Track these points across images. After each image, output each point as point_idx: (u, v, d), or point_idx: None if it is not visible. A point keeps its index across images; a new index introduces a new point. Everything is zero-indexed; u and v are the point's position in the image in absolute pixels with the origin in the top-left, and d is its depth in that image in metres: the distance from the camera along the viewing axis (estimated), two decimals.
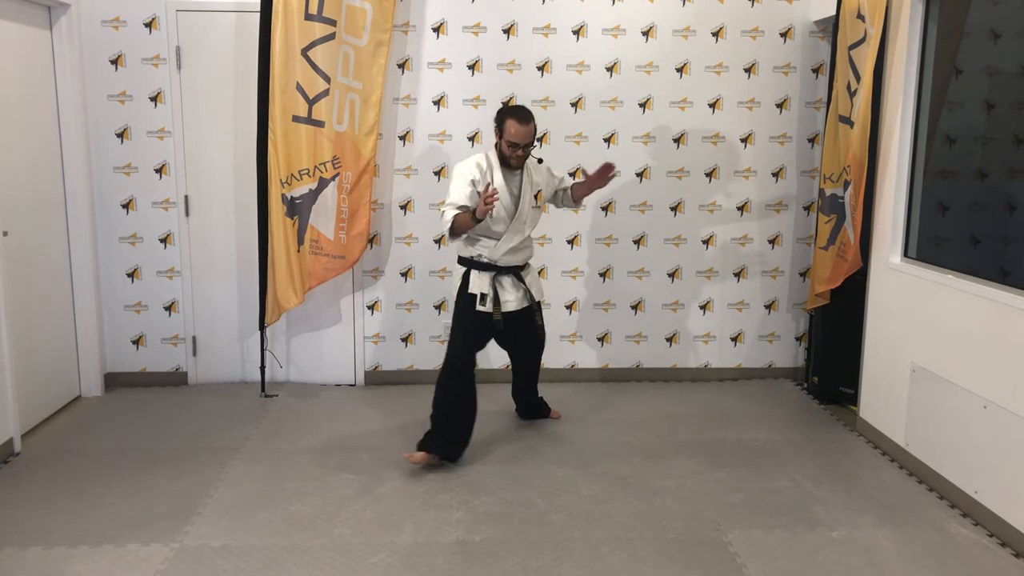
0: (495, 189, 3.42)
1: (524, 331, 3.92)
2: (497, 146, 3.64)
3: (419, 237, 4.79)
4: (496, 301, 3.70)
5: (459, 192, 3.57)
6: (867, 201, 4.03)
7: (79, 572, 2.87)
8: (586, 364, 4.99)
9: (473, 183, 3.57)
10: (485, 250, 3.68)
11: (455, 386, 3.69)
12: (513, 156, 3.59)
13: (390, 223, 4.77)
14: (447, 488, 3.53)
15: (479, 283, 3.69)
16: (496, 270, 3.71)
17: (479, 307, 3.67)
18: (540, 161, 3.82)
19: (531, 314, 3.86)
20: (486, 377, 4.90)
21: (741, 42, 4.73)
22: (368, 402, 4.58)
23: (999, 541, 3.12)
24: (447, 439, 3.70)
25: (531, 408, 4.32)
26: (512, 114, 3.55)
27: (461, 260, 3.78)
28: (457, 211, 3.55)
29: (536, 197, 3.75)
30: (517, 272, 3.78)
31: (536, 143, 3.67)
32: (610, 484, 3.59)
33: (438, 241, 4.78)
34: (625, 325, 4.97)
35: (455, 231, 3.57)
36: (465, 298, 3.71)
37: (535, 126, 3.60)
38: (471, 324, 3.71)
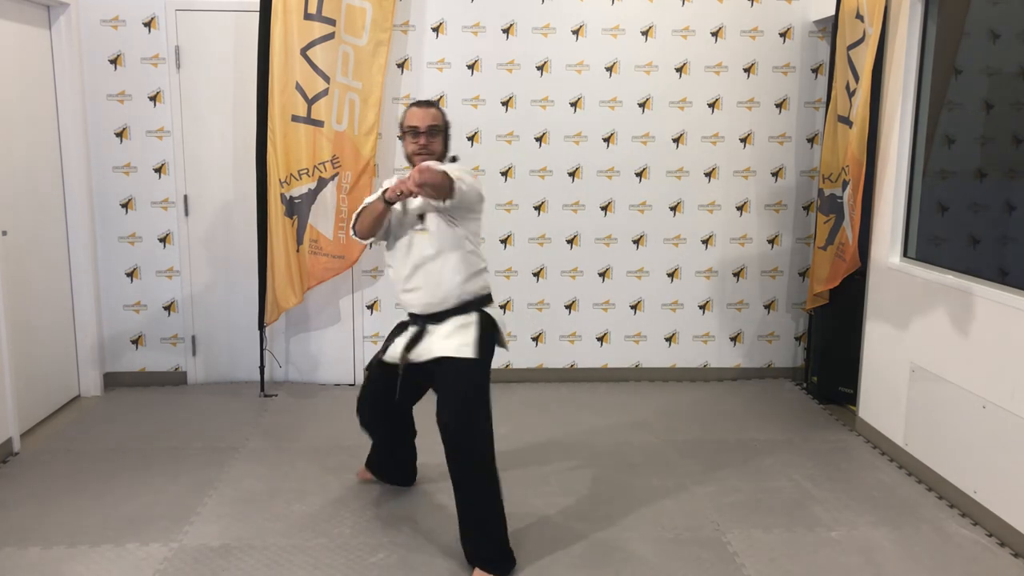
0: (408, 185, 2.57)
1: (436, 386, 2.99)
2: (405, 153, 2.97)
3: None
4: (404, 353, 2.95)
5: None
6: (866, 201, 4.03)
7: (78, 571, 2.87)
8: (585, 364, 4.99)
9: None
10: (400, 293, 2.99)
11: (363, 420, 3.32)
12: (415, 148, 2.85)
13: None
14: (446, 488, 3.51)
15: (394, 330, 3.09)
16: (415, 319, 2.96)
17: (385, 357, 3.06)
18: (455, 160, 3.02)
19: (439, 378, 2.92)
20: None
21: (740, 42, 4.73)
22: None
23: (998, 541, 3.12)
24: (373, 464, 3.47)
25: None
26: (410, 104, 2.95)
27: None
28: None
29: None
30: (437, 321, 2.91)
31: (450, 160, 2.96)
32: (609, 484, 3.59)
33: None
34: (624, 325, 4.97)
35: (360, 220, 2.87)
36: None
37: (443, 115, 2.93)
38: (378, 367, 3.15)
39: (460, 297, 2.88)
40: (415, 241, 2.88)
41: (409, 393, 3.12)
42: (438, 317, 2.90)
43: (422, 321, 2.93)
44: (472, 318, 2.90)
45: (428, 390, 3.12)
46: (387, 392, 3.11)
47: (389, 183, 2.80)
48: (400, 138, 2.97)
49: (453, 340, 2.87)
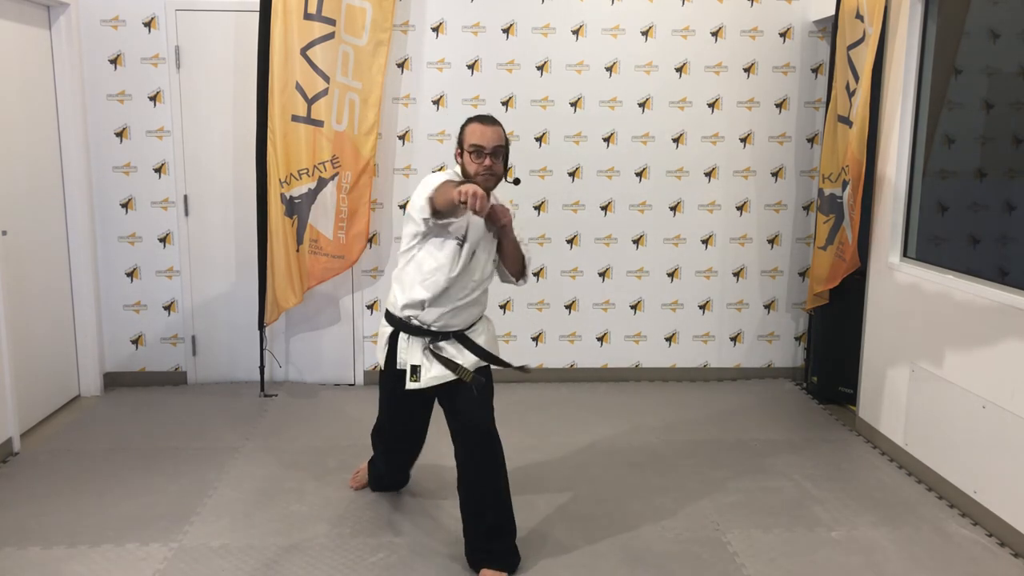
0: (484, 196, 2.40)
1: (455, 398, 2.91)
2: (462, 169, 2.79)
3: None
4: (417, 370, 2.84)
5: (438, 181, 2.67)
6: (866, 201, 4.03)
7: (78, 572, 2.87)
8: (585, 364, 4.99)
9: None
10: (415, 310, 2.81)
11: (382, 450, 3.30)
12: (480, 168, 2.69)
13: (389, 223, 4.76)
14: (446, 488, 3.52)
15: (407, 352, 2.85)
16: (431, 335, 2.84)
17: (409, 384, 2.84)
18: (518, 182, 2.92)
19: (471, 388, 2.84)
20: None
21: (740, 42, 4.72)
22: (367, 402, 4.57)
23: (998, 541, 3.12)
24: (377, 479, 3.46)
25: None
26: (472, 119, 2.77)
27: (389, 317, 2.93)
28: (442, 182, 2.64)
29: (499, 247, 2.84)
30: (461, 335, 2.87)
31: (509, 178, 2.87)
32: (609, 484, 3.59)
33: None
34: (624, 325, 4.96)
35: (436, 202, 2.58)
36: (389, 373, 2.93)
37: (505, 132, 2.78)
38: (397, 400, 3.01)
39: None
40: (482, 263, 2.83)
41: (429, 406, 3.14)
42: (470, 328, 2.91)
43: (448, 335, 2.85)
44: (487, 321, 3.02)
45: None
46: (413, 417, 3.15)
47: (442, 172, 2.75)
48: (458, 154, 2.80)
49: (490, 346, 2.94)
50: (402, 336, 2.87)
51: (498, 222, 2.68)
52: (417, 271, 2.79)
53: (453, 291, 2.78)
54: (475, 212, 2.37)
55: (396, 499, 3.42)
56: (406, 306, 2.82)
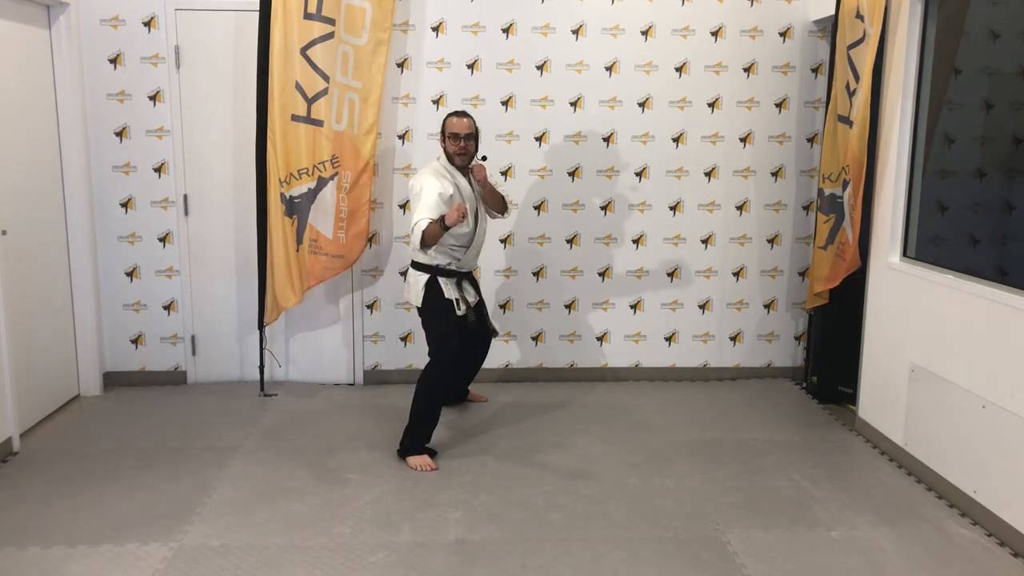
0: (464, 208, 3.46)
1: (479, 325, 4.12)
2: (445, 151, 3.78)
3: None
4: (466, 303, 3.86)
5: (429, 203, 3.57)
6: (866, 201, 4.03)
7: (77, 571, 2.87)
8: (585, 364, 4.99)
9: (440, 194, 3.59)
10: (454, 260, 3.79)
11: (452, 378, 3.99)
12: (456, 149, 3.71)
13: (389, 222, 4.76)
14: (446, 487, 3.53)
15: (450, 290, 3.79)
16: (459, 276, 3.85)
17: (458, 312, 3.77)
18: (484, 159, 4.04)
19: (480, 307, 4.10)
20: (481, 376, 4.91)
21: (740, 42, 4.72)
22: (367, 401, 4.58)
23: (998, 541, 3.12)
24: (430, 431, 3.86)
25: (463, 392, 4.60)
26: (451, 114, 3.78)
27: (422, 267, 3.80)
28: (428, 221, 3.54)
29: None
30: (471, 275, 3.98)
31: (481, 158, 3.95)
32: (609, 484, 3.59)
33: None
34: (623, 324, 4.97)
35: (427, 242, 3.54)
36: (442, 303, 3.77)
37: (474, 122, 3.78)
38: (453, 324, 3.80)
39: None
40: (481, 224, 3.87)
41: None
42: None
43: (467, 273, 3.92)
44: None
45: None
46: (471, 336, 4.02)
47: (428, 213, 3.53)
48: (441, 141, 3.80)
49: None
50: (442, 279, 3.79)
51: (474, 181, 3.79)
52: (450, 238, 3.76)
53: (476, 241, 3.87)
54: (452, 223, 3.43)
55: (396, 499, 3.43)
56: (440, 255, 3.78)
